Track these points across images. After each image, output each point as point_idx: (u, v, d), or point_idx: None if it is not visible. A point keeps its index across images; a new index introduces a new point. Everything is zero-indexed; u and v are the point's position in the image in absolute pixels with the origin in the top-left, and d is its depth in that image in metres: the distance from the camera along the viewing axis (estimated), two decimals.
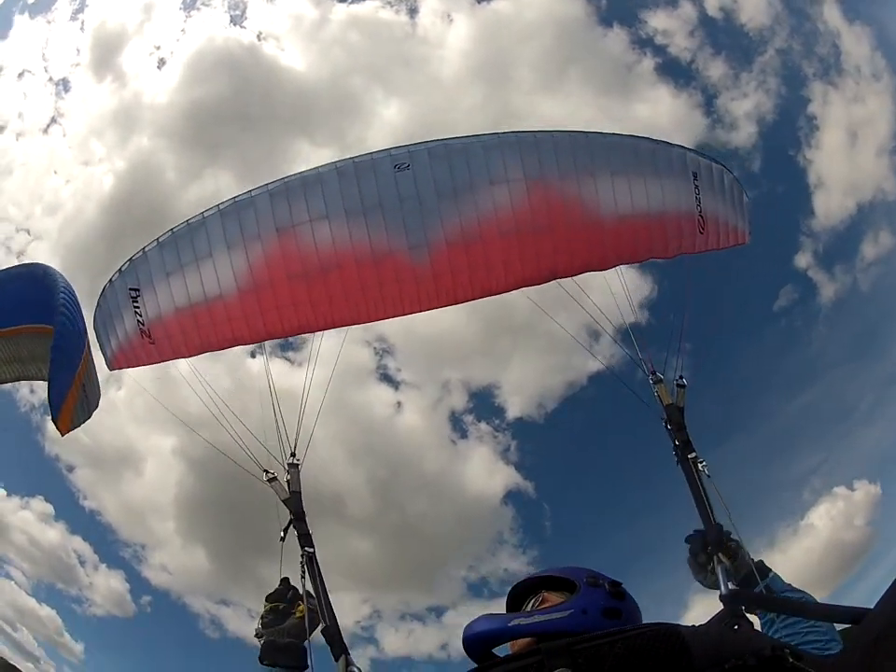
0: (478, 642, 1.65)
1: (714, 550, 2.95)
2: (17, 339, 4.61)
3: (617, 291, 4.32)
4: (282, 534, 3.53)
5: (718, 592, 2.85)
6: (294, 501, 3.62)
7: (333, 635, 2.94)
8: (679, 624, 1.38)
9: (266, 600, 3.22)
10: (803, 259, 14.82)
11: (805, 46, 15.06)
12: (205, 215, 4.22)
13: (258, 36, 16.76)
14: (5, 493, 14.89)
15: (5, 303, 4.52)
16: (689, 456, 3.47)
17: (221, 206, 4.18)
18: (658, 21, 15.64)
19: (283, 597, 3.23)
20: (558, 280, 4.29)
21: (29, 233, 16.47)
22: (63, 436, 4.37)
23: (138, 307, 4.39)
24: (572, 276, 4.19)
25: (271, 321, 4.01)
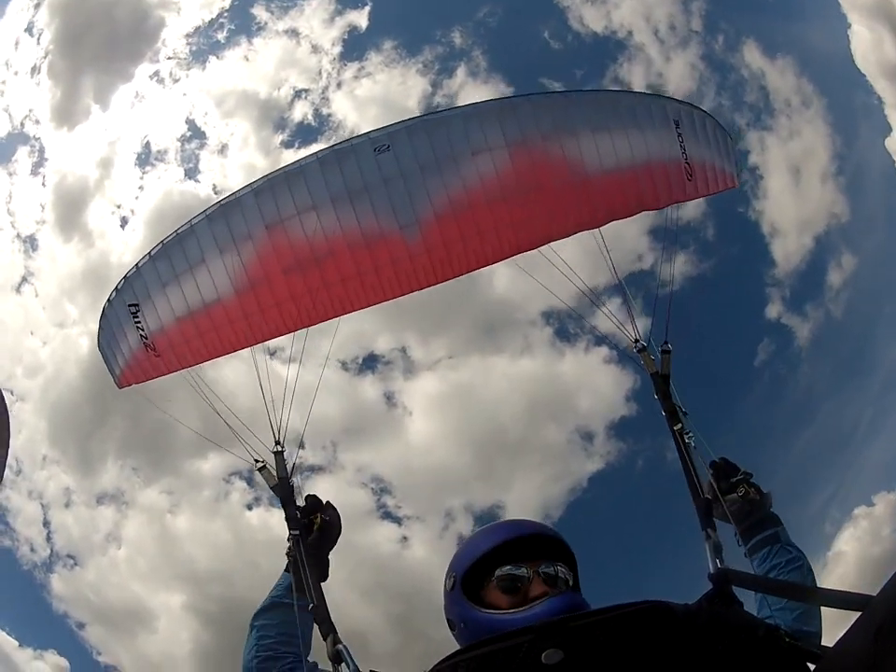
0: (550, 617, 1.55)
1: (703, 524, 2.86)
2: None
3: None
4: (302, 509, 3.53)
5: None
6: (281, 486, 3.62)
7: (321, 614, 2.95)
8: (671, 602, 1.36)
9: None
10: (773, 310, 14.83)
11: (734, 98, 15.00)
12: (193, 222, 4.22)
13: (213, 190, 16.66)
14: (17, 643, 14.81)
15: None
16: (675, 427, 3.30)
17: (208, 211, 4.18)
18: None
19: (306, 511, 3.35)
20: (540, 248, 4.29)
21: (13, 394, 16.35)
22: None
23: (139, 321, 4.40)
24: (565, 237, 4.17)
25: (271, 317, 4.01)
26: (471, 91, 16.38)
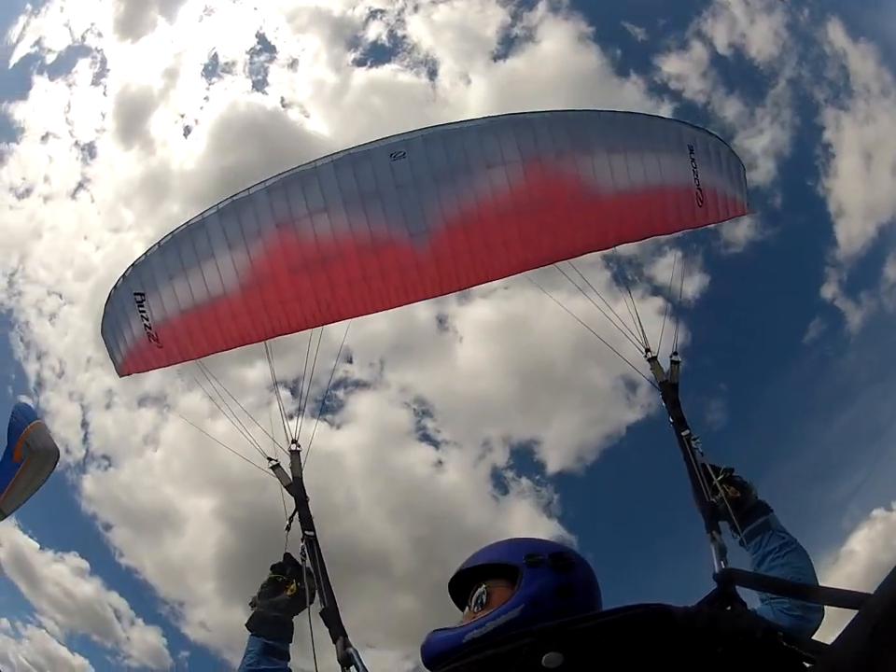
0: (438, 662, 1.58)
1: (708, 526, 2.96)
2: None
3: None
4: (288, 522, 3.59)
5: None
6: (296, 486, 3.69)
7: (332, 617, 2.99)
8: (670, 605, 1.36)
9: (270, 570, 3.31)
10: (829, 290, 14.81)
11: (815, 72, 14.91)
12: (205, 215, 4.24)
13: (281, 102, 16.74)
14: (38, 546, 15.00)
15: None
16: (682, 434, 3.44)
17: (220, 206, 4.20)
18: (671, 65, 15.54)
19: (283, 570, 3.30)
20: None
21: (61, 297, 16.49)
22: None
23: (144, 311, 4.41)
24: (574, 257, 4.18)
25: (275, 315, 4.02)
26: (551, 27, 16.00)
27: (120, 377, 4.85)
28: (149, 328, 4.43)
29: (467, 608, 1.73)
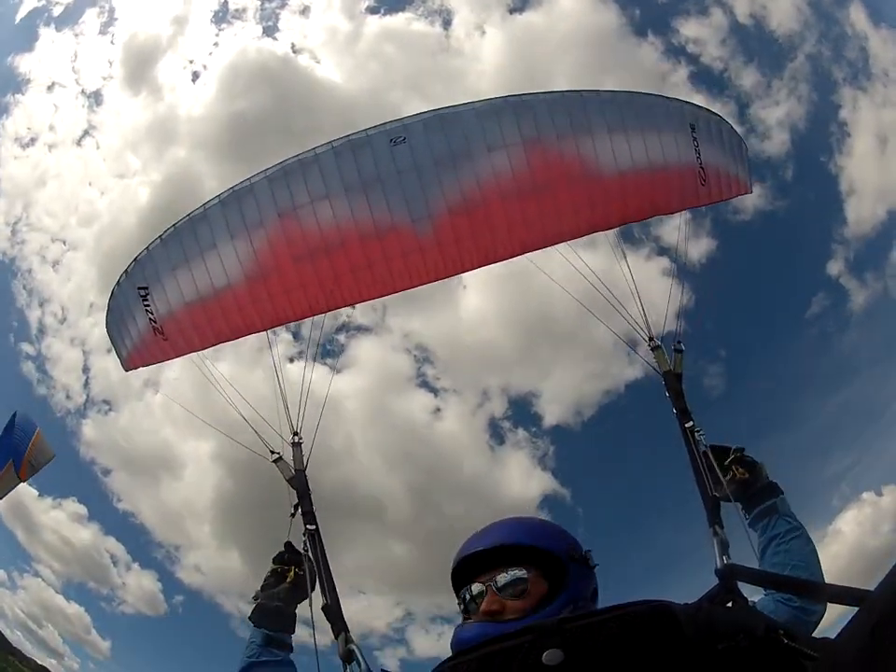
0: (477, 643, 1.47)
1: (710, 521, 2.93)
2: None
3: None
4: (292, 510, 3.56)
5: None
6: (298, 479, 3.66)
7: (334, 612, 2.97)
8: (672, 602, 1.35)
9: (272, 562, 3.27)
10: (835, 267, 14.79)
11: (835, 50, 14.86)
12: (206, 206, 4.23)
13: (292, 48, 16.64)
14: (36, 493, 15.12)
15: None
16: (686, 425, 3.36)
17: (221, 196, 4.18)
18: (690, 29, 15.44)
19: (283, 560, 3.27)
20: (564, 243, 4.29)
21: (65, 244, 16.50)
22: None
23: (148, 305, 4.41)
24: (577, 237, 4.16)
25: (280, 305, 4.02)
26: None
27: (126, 371, 4.86)
28: (154, 321, 4.43)
29: (481, 586, 1.65)
